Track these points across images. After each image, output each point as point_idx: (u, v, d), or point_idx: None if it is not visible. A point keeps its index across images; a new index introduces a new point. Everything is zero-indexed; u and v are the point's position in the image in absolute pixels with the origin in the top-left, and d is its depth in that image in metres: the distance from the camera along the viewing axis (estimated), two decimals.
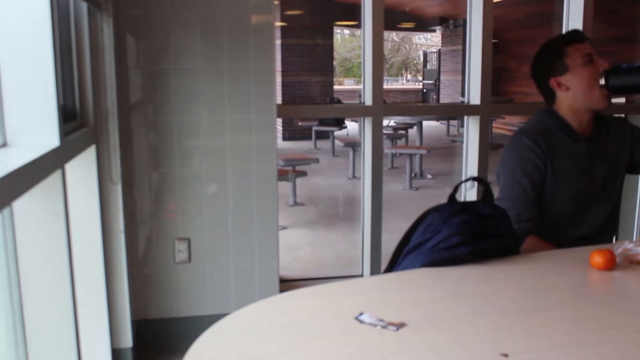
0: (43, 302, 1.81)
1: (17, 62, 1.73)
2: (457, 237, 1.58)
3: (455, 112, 6.63)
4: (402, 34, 27.99)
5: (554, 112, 2.08)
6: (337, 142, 9.52)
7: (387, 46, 29.55)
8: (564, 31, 3.54)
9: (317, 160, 7.38)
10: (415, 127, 9.42)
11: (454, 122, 12.88)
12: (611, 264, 1.55)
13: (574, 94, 2.03)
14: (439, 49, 18.24)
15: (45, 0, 1.73)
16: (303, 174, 6.53)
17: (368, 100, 3.31)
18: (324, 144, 10.74)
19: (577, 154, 2.03)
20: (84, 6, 2.35)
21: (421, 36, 29.05)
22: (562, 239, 1.95)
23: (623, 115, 3.42)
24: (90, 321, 2.40)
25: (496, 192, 1.87)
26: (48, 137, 1.78)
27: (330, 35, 12.96)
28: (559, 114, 2.07)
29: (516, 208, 1.96)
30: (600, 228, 2.09)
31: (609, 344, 1.15)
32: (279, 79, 11.68)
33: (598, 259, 1.56)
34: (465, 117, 3.57)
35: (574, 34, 2.08)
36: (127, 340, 2.71)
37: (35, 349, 1.80)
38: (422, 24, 18.28)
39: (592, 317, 1.28)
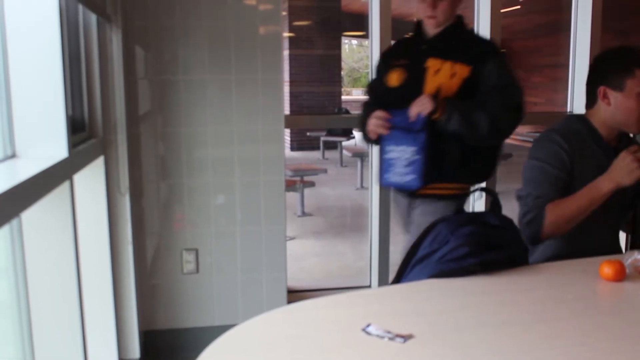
0: (51, 312, 1.81)
1: (27, 74, 1.74)
2: (464, 248, 1.58)
3: None
4: None
5: (584, 120, 2.05)
6: (345, 152, 9.52)
7: None
8: (572, 41, 3.53)
9: (325, 171, 7.38)
10: None
11: None
12: (621, 275, 1.54)
13: (612, 112, 1.99)
14: None
15: (55, 12, 1.75)
16: (311, 184, 6.53)
17: None
18: (331, 154, 10.74)
19: (601, 162, 2.00)
20: (93, 18, 2.37)
21: None
22: (574, 247, 1.93)
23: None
24: (97, 332, 2.40)
25: (504, 200, 1.86)
26: (57, 149, 1.79)
27: (338, 46, 12.98)
28: (590, 121, 2.03)
29: (539, 190, 1.93)
30: (614, 240, 2.08)
31: (619, 356, 1.14)
32: (286, 89, 11.72)
33: (608, 270, 1.55)
34: None
35: None
36: (134, 351, 2.71)
37: (43, 359, 1.80)
38: None
39: (602, 329, 1.27)
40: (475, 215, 1.84)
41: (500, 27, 3.33)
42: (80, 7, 2.28)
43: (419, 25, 2.32)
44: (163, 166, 2.92)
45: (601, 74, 2.01)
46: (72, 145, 1.87)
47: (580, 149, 1.98)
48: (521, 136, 11.28)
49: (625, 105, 1.95)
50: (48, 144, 1.78)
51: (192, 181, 2.93)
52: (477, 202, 3.48)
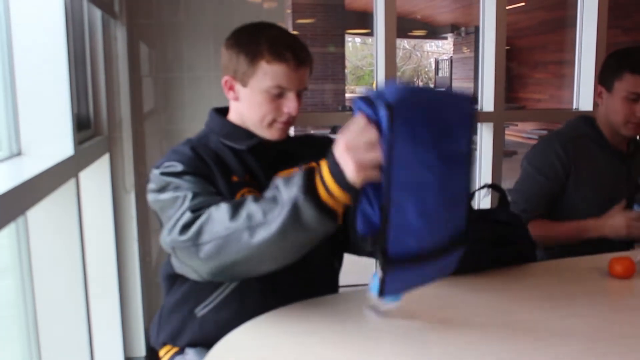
0: (57, 310, 1.81)
1: (32, 71, 1.74)
2: (473, 244, 1.56)
3: None
4: (413, 41, 28.00)
5: (591, 120, 2.07)
6: None
7: (399, 54, 29.59)
8: (578, 38, 3.51)
9: None
10: None
11: None
12: (630, 272, 1.53)
13: (605, 112, 2.02)
14: (451, 57, 18.22)
15: (60, 10, 1.75)
16: None
17: None
18: None
19: (604, 165, 2.01)
20: (98, 16, 2.37)
21: (433, 44, 29.06)
22: (582, 245, 1.92)
23: None
24: (103, 329, 2.40)
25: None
26: (62, 146, 1.78)
27: (341, 44, 12.96)
28: (596, 122, 2.06)
29: (526, 203, 2.00)
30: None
31: (629, 354, 1.13)
32: None
33: (617, 267, 1.53)
34: (479, 124, 3.55)
35: None
36: (140, 349, 2.70)
37: (49, 358, 1.80)
38: (434, 32, 18.28)
39: (611, 326, 1.26)
40: (484, 212, 1.83)
41: (505, 24, 3.32)
42: (85, 6, 2.28)
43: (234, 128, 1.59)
44: None
45: (600, 73, 2.04)
46: (78, 142, 1.87)
47: (580, 153, 2.01)
48: (525, 133, 11.26)
49: (612, 107, 1.98)
50: (54, 141, 1.78)
51: None
52: (484, 199, 3.47)
